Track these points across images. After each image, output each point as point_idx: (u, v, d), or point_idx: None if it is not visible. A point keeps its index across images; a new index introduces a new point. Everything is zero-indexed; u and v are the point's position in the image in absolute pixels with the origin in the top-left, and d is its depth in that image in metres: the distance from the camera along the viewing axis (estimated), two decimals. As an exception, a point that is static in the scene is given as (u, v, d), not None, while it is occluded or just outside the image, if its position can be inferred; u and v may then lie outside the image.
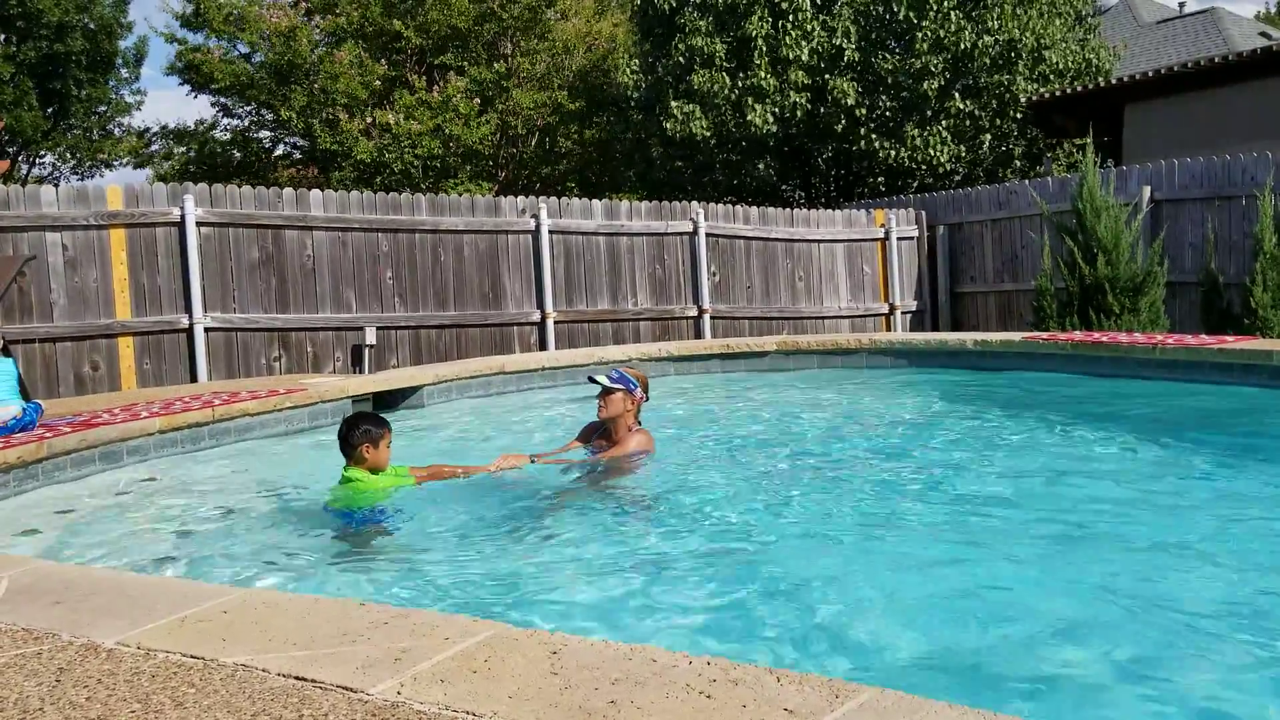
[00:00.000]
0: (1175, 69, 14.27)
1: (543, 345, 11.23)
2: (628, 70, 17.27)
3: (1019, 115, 16.09)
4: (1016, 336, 8.99)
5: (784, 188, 19.30)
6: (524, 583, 3.53)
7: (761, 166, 18.39)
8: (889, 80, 15.75)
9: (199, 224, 9.49)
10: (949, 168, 16.35)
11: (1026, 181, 13.30)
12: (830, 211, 13.54)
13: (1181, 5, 25.00)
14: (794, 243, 13.00)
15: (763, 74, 15.29)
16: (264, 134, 22.29)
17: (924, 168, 16.44)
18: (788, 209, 13.60)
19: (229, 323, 9.63)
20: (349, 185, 17.31)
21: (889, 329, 13.38)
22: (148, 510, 4.81)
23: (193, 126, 22.84)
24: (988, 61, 15.46)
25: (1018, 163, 17.22)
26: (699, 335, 12.11)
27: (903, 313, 13.52)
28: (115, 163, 26.50)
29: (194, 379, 9.36)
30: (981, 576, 3.51)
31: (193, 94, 20.80)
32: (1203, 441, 5.71)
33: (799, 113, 15.66)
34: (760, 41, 15.38)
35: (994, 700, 2.48)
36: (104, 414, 5.97)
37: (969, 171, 17.23)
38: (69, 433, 5.27)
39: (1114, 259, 10.04)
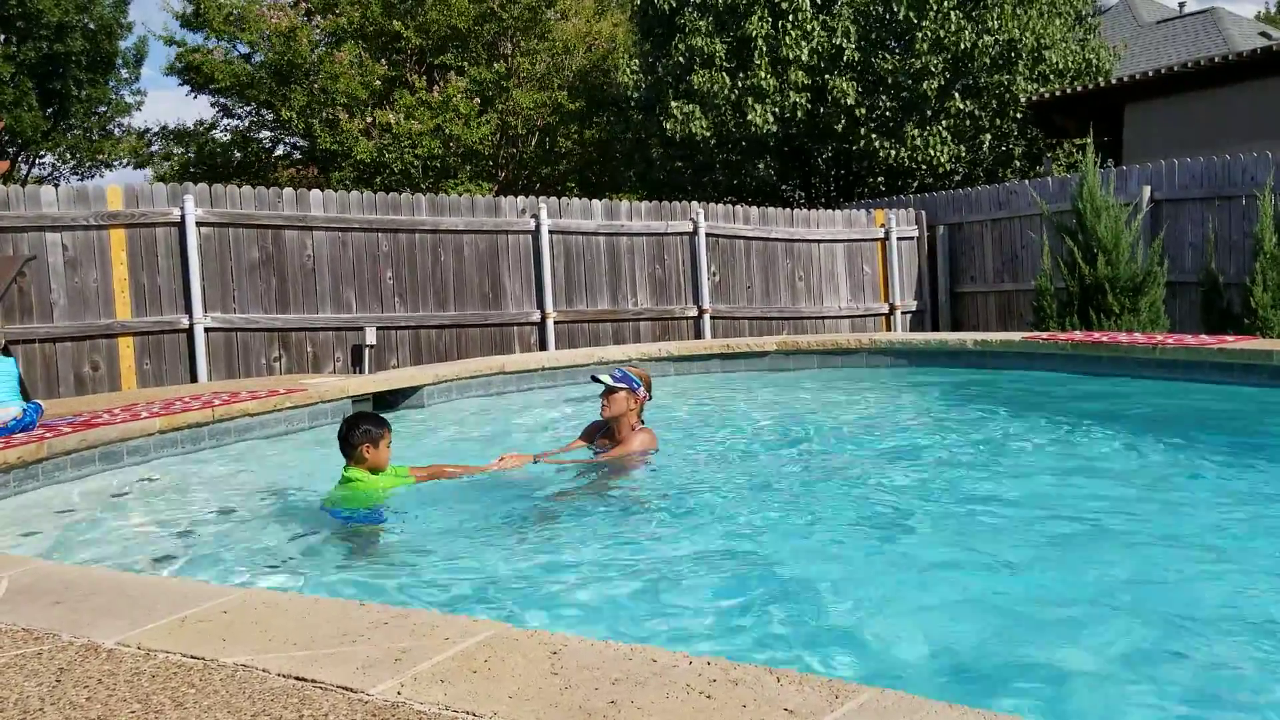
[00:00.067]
0: (1175, 69, 14.27)
1: (543, 345, 11.23)
2: (628, 70, 17.27)
3: (1019, 115, 16.09)
4: (1016, 336, 8.99)
5: (784, 188, 19.30)
6: (524, 583, 3.53)
7: (761, 166, 18.39)
8: (889, 80, 15.75)
9: (199, 224, 9.49)
10: (949, 168, 16.35)
11: (1026, 181, 13.30)
12: (830, 211, 13.54)
13: (1181, 5, 25.00)
14: (794, 243, 13.00)
15: (763, 74, 15.29)
16: (264, 134, 22.31)
17: (924, 168, 16.44)
18: (788, 209, 13.61)
19: (229, 323, 9.63)
20: (349, 185, 17.31)
21: (889, 329, 13.38)
22: (148, 510, 4.81)
23: (192, 127, 22.86)
24: (988, 61, 15.46)
25: (1018, 163, 17.22)
26: (699, 335, 12.11)
27: (903, 313, 13.52)
28: (115, 163, 26.50)
29: (194, 379, 9.36)
30: (983, 576, 3.51)
31: (192, 94, 20.81)
32: (1203, 441, 5.72)
33: (799, 113, 15.66)
34: (760, 41, 15.38)
35: (994, 699, 2.48)
36: (104, 414, 5.97)
37: (969, 171, 17.23)
38: (69, 433, 5.27)
39: (1114, 259, 10.04)
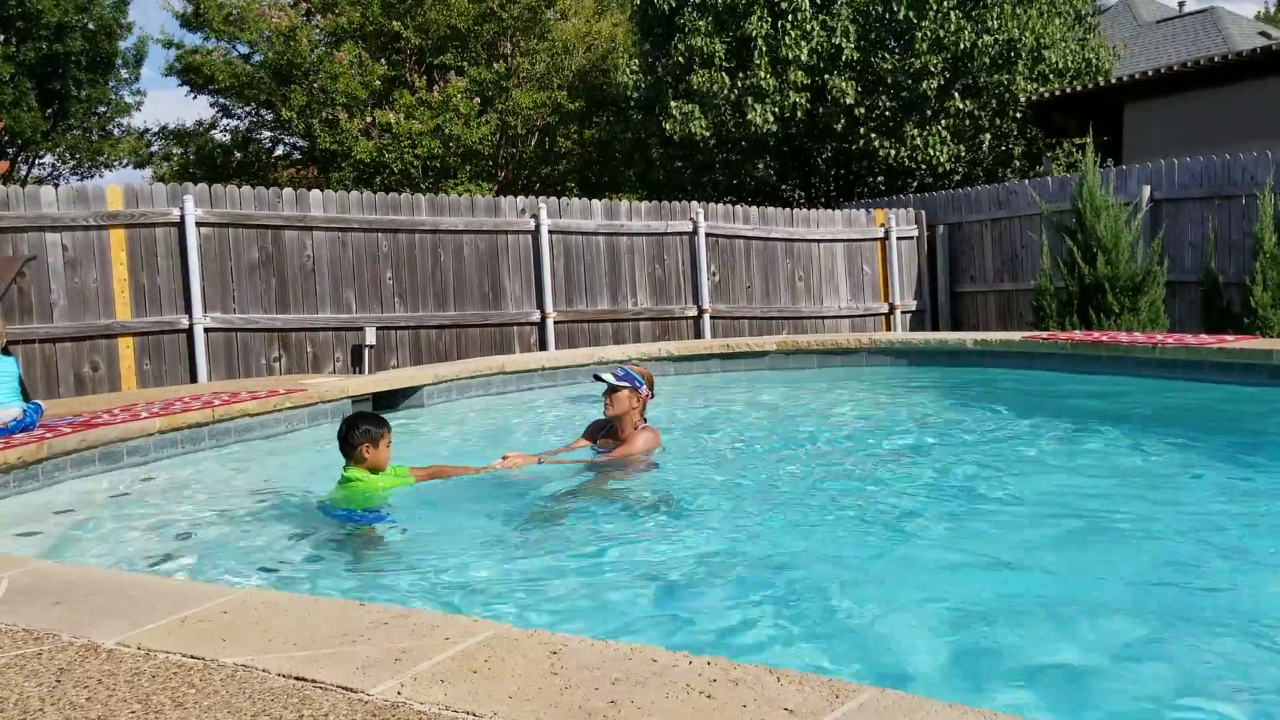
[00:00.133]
0: (1175, 68, 14.27)
1: (543, 345, 11.23)
2: (627, 70, 17.27)
3: (1019, 115, 16.09)
4: (1016, 336, 8.99)
5: (784, 188, 19.30)
6: (525, 583, 3.53)
7: (761, 166, 18.38)
8: (888, 80, 15.75)
9: (199, 224, 9.49)
10: (949, 167, 16.35)
11: (1026, 181, 13.29)
12: (830, 211, 13.54)
13: (1181, 5, 25.00)
14: (794, 242, 13.00)
15: (762, 74, 15.29)
16: (264, 134, 22.30)
17: (924, 167, 16.44)
18: (788, 209, 13.61)
19: (229, 323, 9.63)
20: (349, 185, 17.31)
21: (889, 329, 13.38)
22: (148, 510, 4.80)
23: (192, 127, 22.86)
24: (987, 61, 15.46)
25: (1017, 162, 17.22)
26: (699, 335, 12.11)
27: (903, 312, 13.52)
28: (115, 163, 26.50)
29: (194, 379, 9.36)
30: (983, 574, 3.51)
31: (192, 94, 20.81)
32: (1203, 440, 5.72)
33: (799, 112, 15.66)
34: (760, 41, 15.38)
35: (994, 697, 2.48)
36: (104, 414, 5.97)
37: (969, 171, 17.23)
38: (69, 433, 5.27)
39: (1114, 258, 10.04)
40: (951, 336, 9.61)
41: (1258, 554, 3.67)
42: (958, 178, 17.33)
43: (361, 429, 4.57)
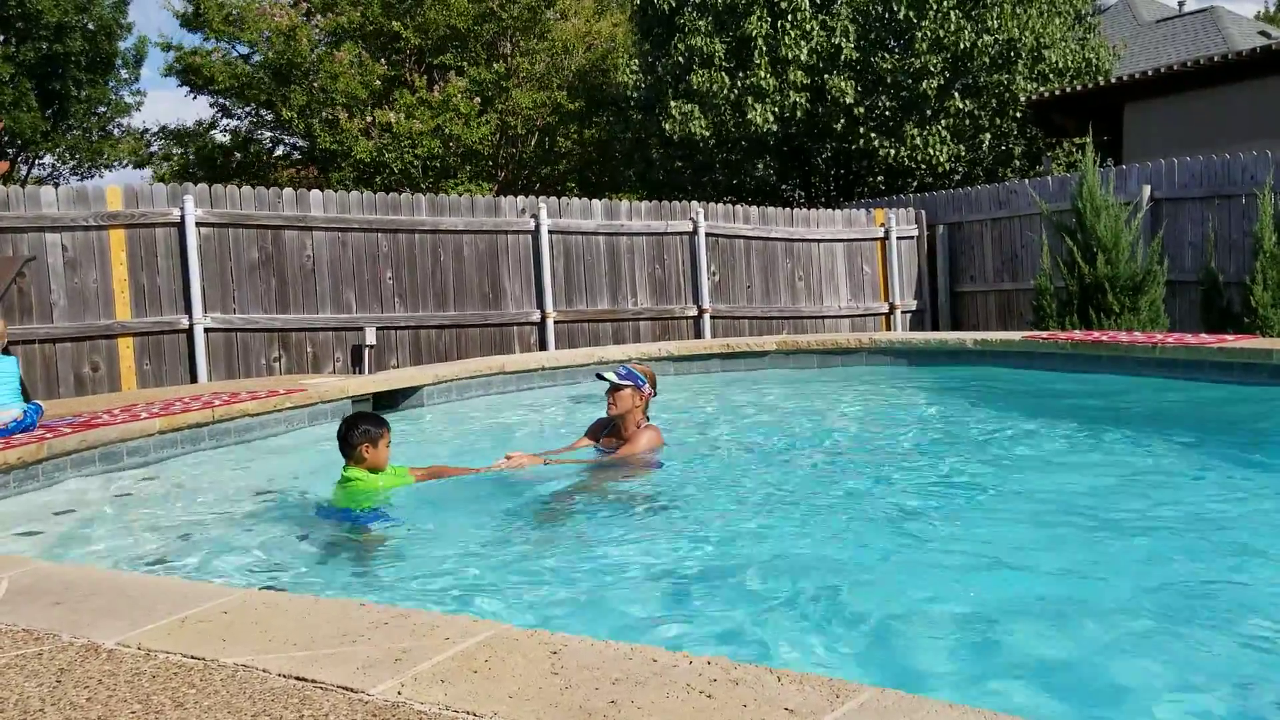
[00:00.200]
0: (1175, 68, 14.27)
1: (543, 345, 11.23)
2: (627, 70, 17.27)
3: (1019, 115, 16.09)
4: (1016, 336, 8.99)
5: (784, 187, 19.30)
6: (525, 583, 3.53)
7: (761, 166, 18.38)
8: (888, 80, 15.75)
9: (199, 224, 9.49)
10: (949, 167, 16.35)
11: (1026, 181, 13.29)
12: (830, 211, 13.54)
13: (1181, 4, 25.00)
14: (794, 242, 13.00)
15: (762, 73, 15.29)
16: (264, 134, 22.30)
17: (924, 167, 16.44)
18: (788, 209, 13.61)
19: (229, 323, 9.63)
20: (349, 185, 17.31)
21: (889, 328, 13.38)
22: (148, 511, 4.80)
23: (192, 126, 22.86)
24: (987, 61, 15.46)
25: (1017, 162, 17.21)
26: (699, 335, 12.11)
27: (903, 312, 13.52)
28: (115, 164, 26.50)
29: (194, 379, 9.36)
30: (984, 574, 3.51)
31: (191, 95, 20.82)
32: (1204, 439, 5.72)
33: (798, 112, 15.67)
34: (759, 41, 15.38)
35: (993, 695, 2.48)
36: (104, 415, 5.97)
37: (969, 171, 17.23)
38: (69, 433, 5.27)
39: (1114, 258, 10.04)
40: (951, 336, 9.60)
41: (1259, 554, 3.66)
42: (958, 177, 17.32)
43: (361, 429, 4.57)
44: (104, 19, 23.61)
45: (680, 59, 16.12)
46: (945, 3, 15.16)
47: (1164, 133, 14.06)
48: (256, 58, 20.01)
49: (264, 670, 1.97)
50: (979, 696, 2.50)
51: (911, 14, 15.35)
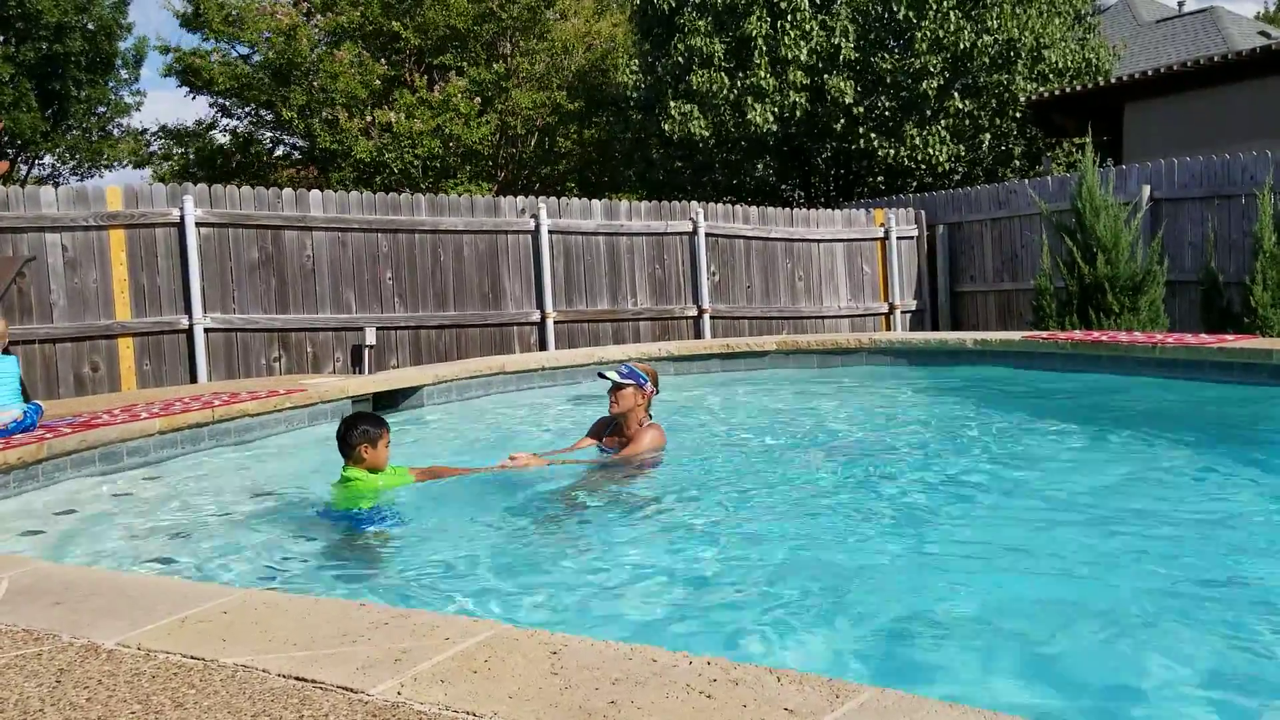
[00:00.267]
0: (1175, 68, 14.27)
1: (543, 345, 11.23)
2: (627, 70, 17.27)
3: (1018, 115, 16.09)
4: (1016, 336, 8.99)
5: (784, 187, 19.30)
6: (525, 583, 3.53)
7: (761, 166, 18.38)
8: (888, 80, 15.75)
9: (199, 224, 9.49)
10: (948, 167, 16.35)
11: (1026, 181, 13.30)
12: (830, 211, 13.54)
13: (1181, 4, 25.00)
14: (794, 242, 13.00)
15: (762, 74, 15.29)
16: (264, 134, 22.30)
17: (923, 167, 16.44)
18: (787, 209, 13.61)
19: (229, 323, 9.63)
20: (348, 185, 17.31)
21: (889, 328, 13.38)
22: (148, 511, 4.80)
23: (192, 126, 22.86)
24: (987, 61, 15.46)
25: (1017, 162, 17.22)
26: (699, 335, 12.11)
27: (902, 312, 13.52)
28: (115, 164, 26.51)
29: (194, 380, 9.36)
30: (985, 574, 3.51)
31: (191, 95, 20.82)
32: (1203, 440, 5.72)
33: (798, 112, 15.67)
34: (759, 41, 15.38)
35: (992, 694, 2.48)
36: (104, 415, 5.97)
37: (969, 171, 17.23)
38: (69, 434, 5.27)
39: (1113, 258, 10.04)
40: (951, 336, 9.60)
41: (1259, 553, 3.66)
42: (958, 178, 17.33)
43: (360, 429, 4.57)
44: (104, 19, 23.61)
45: (680, 59, 16.12)
46: (945, 3, 15.16)
47: (1164, 133, 14.06)
48: (256, 58, 20.00)
49: (264, 670, 1.97)
50: (979, 696, 2.50)
51: (911, 14, 15.35)
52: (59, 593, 2.56)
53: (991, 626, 2.98)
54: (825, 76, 15.57)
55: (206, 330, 9.48)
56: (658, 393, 5.45)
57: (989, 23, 15.20)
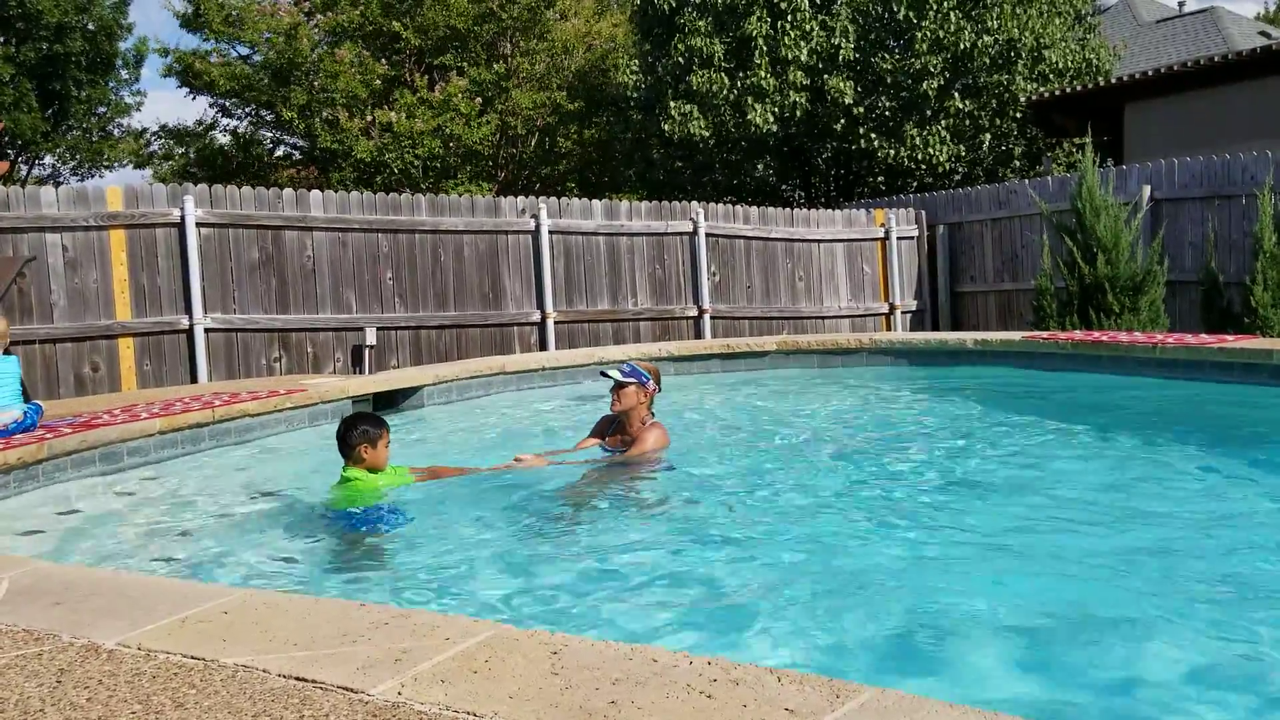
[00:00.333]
0: (1175, 68, 14.27)
1: (543, 345, 11.23)
2: (627, 70, 17.27)
3: (1019, 115, 16.09)
4: (1017, 336, 8.99)
5: (784, 188, 19.30)
6: (526, 583, 3.53)
7: (761, 166, 18.38)
8: (888, 80, 15.75)
9: (199, 225, 9.49)
10: (949, 167, 16.35)
11: (1026, 181, 13.29)
12: (830, 211, 13.54)
13: (1181, 4, 25.00)
14: (794, 242, 13.00)
15: (762, 74, 15.29)
16: (264, 134, 22.30)
17: (924, 167, 16.44)
18: (788, 209, 13.61)
19: (229, 323, 9.64)
20: (349, 185, 17.31)
21: (889, 329, 13.38)
22: (148, 511, 4.81)
23: (192, 126, 22.87)
24: (987, 61, 15.46)
25: (1017, 162, 17.21)
26: (699, 335, 12.11)
27: (903, 312, 13.52)
28: (115, 164, 26.51)
29: (194, 380, 9.37)
30: (985, 574, 3.51)
31: (191, 95, 20.82)
32: (1203, 440, 5.72)
33: (798, 112, 15.67)
34: (760, 41, 15.38)
35: (992, 696, 2.48)
36: (104, 415, 5.97)
37: (969, 171, 17.23)
38: (69, 434, 5.27)
39: (1114, 258, 10.04)
40: (951, 336, 9.60)
41: (1259, 553, 3.66)
42: (958, 178, 17.32)
43: (360, 429, 4.57)
44: (104, 19, 23.62)
45: (680, 59, 16.12)
46: (945, 3, 15.16)
47: (1164, 133, 14.06)
48: (256, 58, 20.00)
49: (264, 670, 1.97)
50: (980, 696, 2.50)
51: (911, 14, 15.35)
52: (59, 593, 2.56)
53: (991, 626, 2.98)
54: (825, 77, 15.57)
55: (207, 330, 9.48)
56: (660, 391, 5.45)
57: (989, 23, 15.20)
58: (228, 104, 21.12)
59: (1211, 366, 7.26)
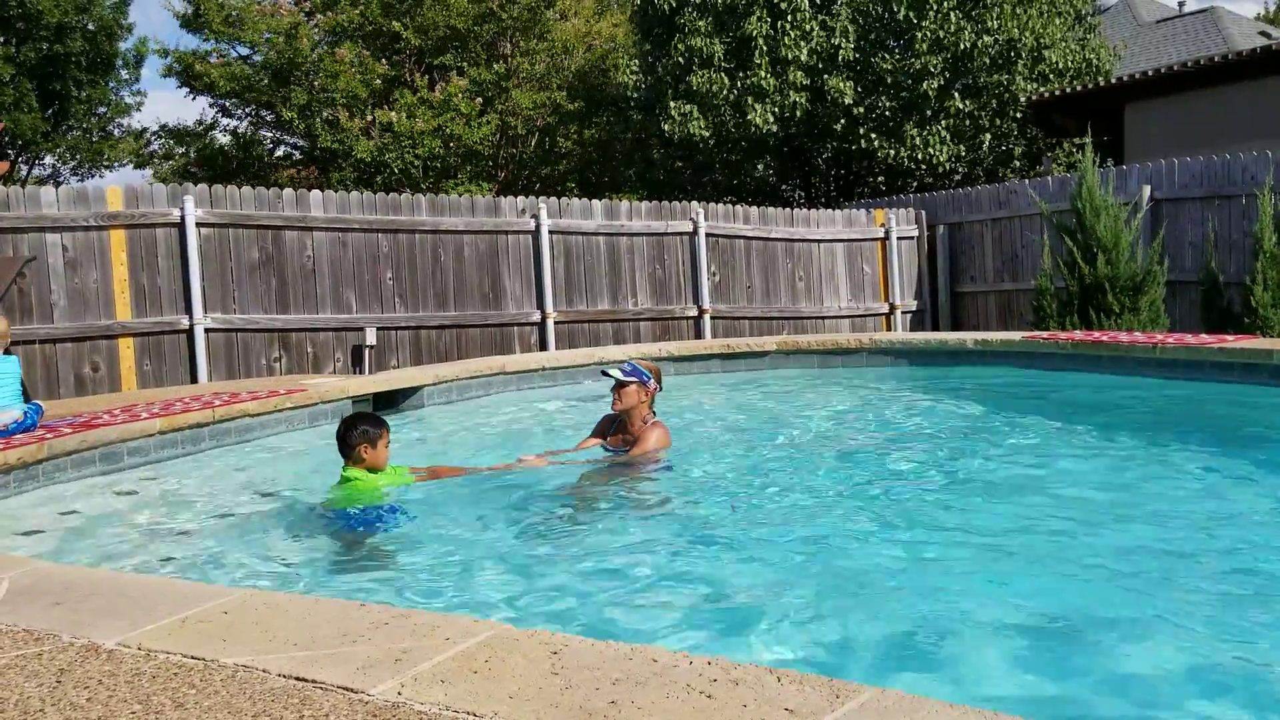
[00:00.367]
0: (1175, 68, 14.27)
1: (543, 345, 11.23)
2: (628, 70, 17.27)
3: (1019, 115, 16.09)
4: (1017, 336, 8.99)
5: (784, 188, 19.30)
6: (525, 583, 3.53)
7: (761, 166, 18.38)
8: (888, 80, 15.75)
9: (199, 225, 9.49)
10: (949, 167, 16.35)
11: (1026, 181, 13.29)
12: (830, 211, 13.54)
13: (1181, 4, 24.99)
14: (794, 242, 13.00)
15: (762, 74, 15.29)
16: (264, 134, 22.31)
17: (924, 167, 16.44)
18: (788, 209, 13.60)
19: (229, 323, 9.64)
20: (349, 185, 17.31)
21: (889, 329, 13.38)
22: (148, 511, 4.81)
23: (192, 126, 22.87)
24: (987, 61, 15.46)
25: (1017, 162, 17.21)
26: (699, 335, 12.11)
27: (903, 312, 13.52)
28: (115, 164, 26.51)
29: (194, 380, 9.37)
30: (985, 574, 3.51)
31: (191, 95, 20.83)
32: (1203, 440, 5.71)
33: (798, 112, 15.67)
34: (760, 41, 15.38)
35: (993, 696, 2.48)
36: (104, 415, 5.97)
37: (969, 171, 17.22)
38: (69, 434, 5.27)
39: (1114, 258, 10.04)
40: (952, 336, 9.60)
41: (1259, 553, 3.66)
42: (958, 178, 17.32)
43: (360, 429, 4.57)
44: (104, 19, 23.62)
45: (680, 59, 16.12)
46: (945, 3, 15.16)
47: (1164, 133, 14.06)
48: (256, 58, 20.00)
49: (264, 670, 1.97)
50: (980, 696, 2.50)
51: (911, 14, 15.35)
52: (59, 593, 2.56)
53: (991, 626, 2.98)
54: (825, 77, 15.56)
55: (207, 330, 9.48)
56: (661, 390, 5.46)
57: (989, 23, 15.19)
58: (228, 104, 21.12)
59: (1211, 366, 7.26)
